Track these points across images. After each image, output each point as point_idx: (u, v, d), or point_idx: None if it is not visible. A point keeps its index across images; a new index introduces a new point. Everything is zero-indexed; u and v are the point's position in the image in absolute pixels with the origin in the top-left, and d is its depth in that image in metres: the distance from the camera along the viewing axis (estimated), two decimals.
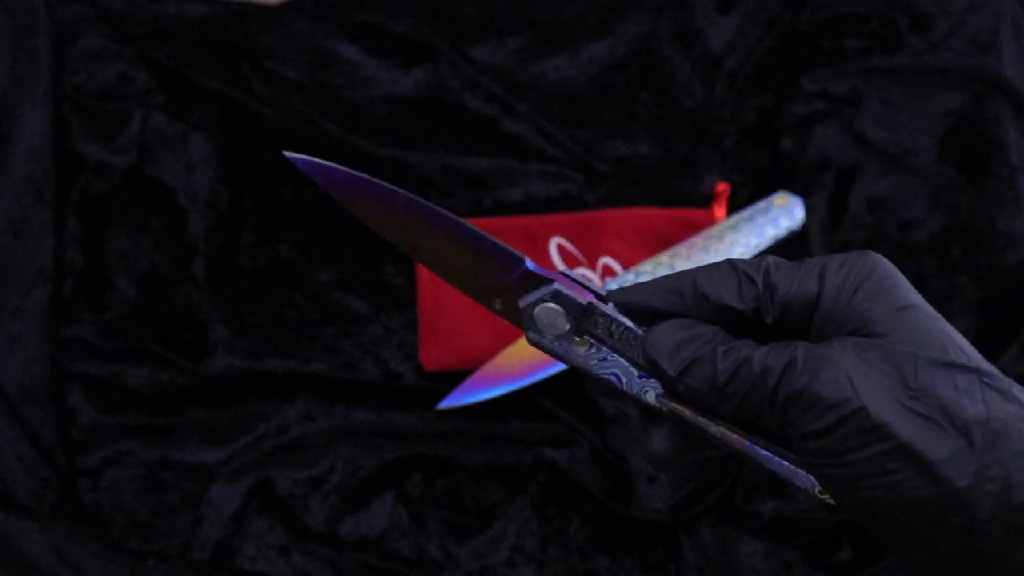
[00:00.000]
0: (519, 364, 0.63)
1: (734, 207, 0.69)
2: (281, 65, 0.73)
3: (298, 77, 0.73)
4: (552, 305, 0.38)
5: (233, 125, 0.71)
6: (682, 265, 0.64)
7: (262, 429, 0.63)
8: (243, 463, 0.62)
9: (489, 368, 0.64)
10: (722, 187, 0.69)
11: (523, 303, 0.39)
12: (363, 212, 0.39)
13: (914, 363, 0.33)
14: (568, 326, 0.38)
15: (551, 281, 0.38)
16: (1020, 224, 0.68)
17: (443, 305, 0.66)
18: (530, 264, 0.38)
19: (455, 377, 0.64)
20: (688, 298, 0.37)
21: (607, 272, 0.67)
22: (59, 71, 0.71)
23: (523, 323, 0.39)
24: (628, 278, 0.64)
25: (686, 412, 0.37)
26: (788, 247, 0.68)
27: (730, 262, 0.37)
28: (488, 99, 0.73)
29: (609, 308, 0.38)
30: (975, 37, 0.73)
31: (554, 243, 0.68)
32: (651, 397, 0.38)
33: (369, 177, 0.38)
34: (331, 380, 0.64)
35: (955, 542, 0.32)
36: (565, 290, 0.38)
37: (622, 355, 0.38)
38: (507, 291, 0.39)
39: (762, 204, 0.67)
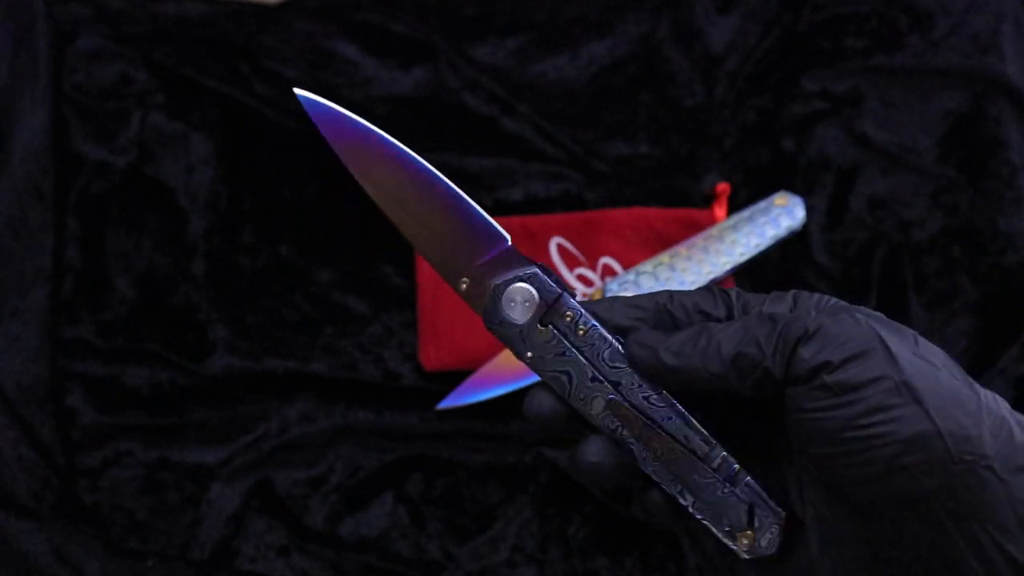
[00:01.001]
0: (519, 364, 0.63)
1: (734, 207, 0.69)
2: (281, 65, 0.73)
3: (298, 77, 0.73)
4: (526, 286, 0.38)
5: (233, 125, 0.71)
6: (682, 265, 0.64)
7: (262, 429, 0.63)
8: (243, 463, 0.62)
9: (489, 368, 0.64)
10: (722, 187, 0.68)
11: (496, 280, 0.38)
12: (356, 162, 0.38)
13: (915, 338, 0.34)
14: (533, 313, 0.38)
15: (531, 263, 0.38)
16: (1021, 224, 0.68)
17: (443, 305, 0.66)
18: (511, 245, 0.38)
19: (455, 377, 0.64)
20: (661, 310, 0.37)
21: (607, 272, 0.67)
22: (59, 71, 0.71)
23: (485, 306, 0.38)
24: (628, 278, 0.64)
25: (636, 422, 0.37)
26: (788, 247, 0.68)
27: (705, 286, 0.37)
28: (488, 99, 0.73)
29: (580, 302, 0.38)
30: (976, 36, 0.73)
31: (554, 243, 0.68)
32: (598, 404, 0.37)
33: (372, 127, 0.38)
34: (331, 380, 0.64)
35: (953, 493, 0.32)
36: (542, 275, 0.38)
37: (581, 353, 0.37)
38: (480, 269, 0.38)
39: (762, 204, 0.67)
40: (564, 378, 0.38)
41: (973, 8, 0.74)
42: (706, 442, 0.37)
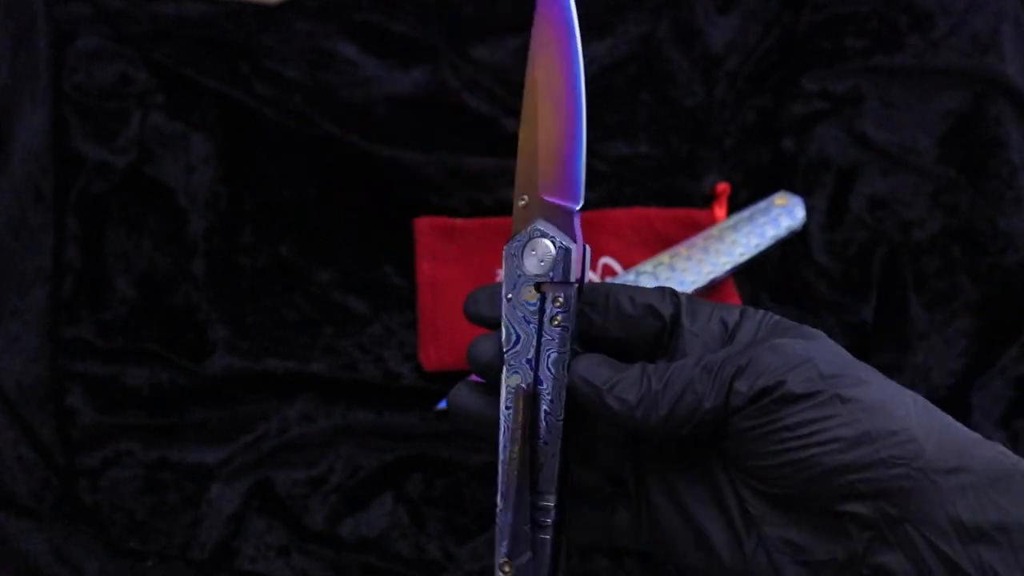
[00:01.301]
0: None
1: (734, 207, 0.69)
2: (281, 65, 0.73)
3: (298, 77, 0.73)
4: (551, 250, 0.39)
5: (233, 125, 0.71)
6: (682, 265, 0.64)
7: (262, 429, 0.63)
8: (243, 463, 0.62)
9: None
10: (722, 187, 0.68)
11: (540, 225, 0.39)
12: (540, 36, 0.41)
13: (844, 354, 0.37)
14: (537, 274, 0.39)
15: (574, 240, 0.39)
16: (1021, 224, 0.68)
17: (443, 305, 0.66)
18: (577, 211, 0.40)
19: (455, 377, 0.64)
20: (610, 306, 0.39)
21: (607, 272, 0.67)
22: (59, 71, 0.71)
23: (515, 234, 0.39)
24: (628, 278, 0.64)
25: (520, 418, 0.38)
26: (788, 247, 0.68)
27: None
28: (488, 99, 0.73)
29: (577, 296, 0.39)
30: (976, 36, 0.73)
31: None
32: (513, 380, 0.39)
33: (575, 22, 0.41)
34: (331, 380, 0.64)
35: (887, 495, 0.33)
36: (573, 256, 0.39)
37: (539, 336, 0.39)
38: (540, 204, 0.40)
39: (762, 204, 0.67)
40: (513, 337, 0.39)
41: (973, 8, 0.74)
42: (548, 485, 0.39)
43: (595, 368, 0.38)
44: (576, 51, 0.42)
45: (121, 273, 0.67)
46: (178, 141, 0.70)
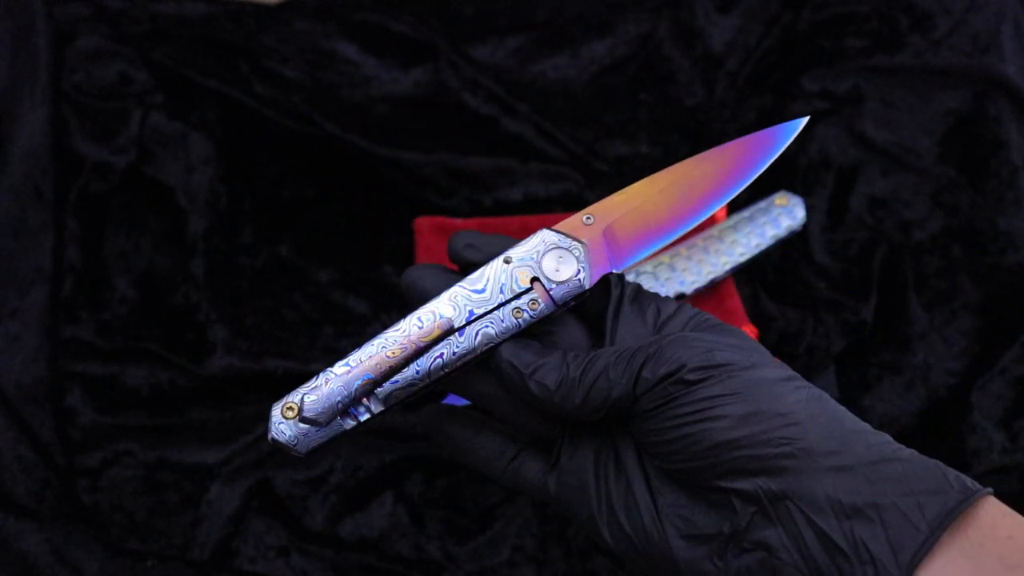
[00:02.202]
0: None
1: (734, 207, 0.69)
2: (280, 65, 0.73)
3: (298, 77, 0.73)
4: (571, 277, 0.41)
5: (232, 125, 0.71)
6: (682, 265, 0.64)
7: (261, 429, 0.63)
8: (242, 463, 0.62)
9: None
10: None
11: (582, 246, 0.42)
12: None
13: (750, 347, 0.41)
14: (545, 275, 0.41)
15: (590, 281, 0.42)
16: (1021, 224, 0.68)
17: None
18: (610, 273, 0.43)
19: None
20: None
21: None
22: (58, 70, 0.71)
23: (564, 230, 0.42)
24: (628, 278, 0.64)
25: (427, 346, 0.41)
26: (789, 247, 0.68)
27: None
28: (488, 99, 0.73)
29: (562, 309, 0.42)
30: (976, 36, 0.73)
31: None
32: (444, 313, 0.41)
33: None
34: None
35: (770, 473, 0.37)
36: (577, 297, 0.42)
37: (496, 307, 0.41)
38: (603, 236, 0.43)
39: (763, 204, 0.67)
40: (480, 288, 0.41)
41: (973, 8, 0.74)
42: (384, 401, 0.42)
43: (520, 352, 0.41)
44: (736, 190, 0.45)
45: (121, 273, 0.67)
46: (178, 141, 0.70)
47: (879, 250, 0.67)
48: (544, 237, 0.41)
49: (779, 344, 0.64)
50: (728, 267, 0.65)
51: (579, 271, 0.41)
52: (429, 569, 0.59)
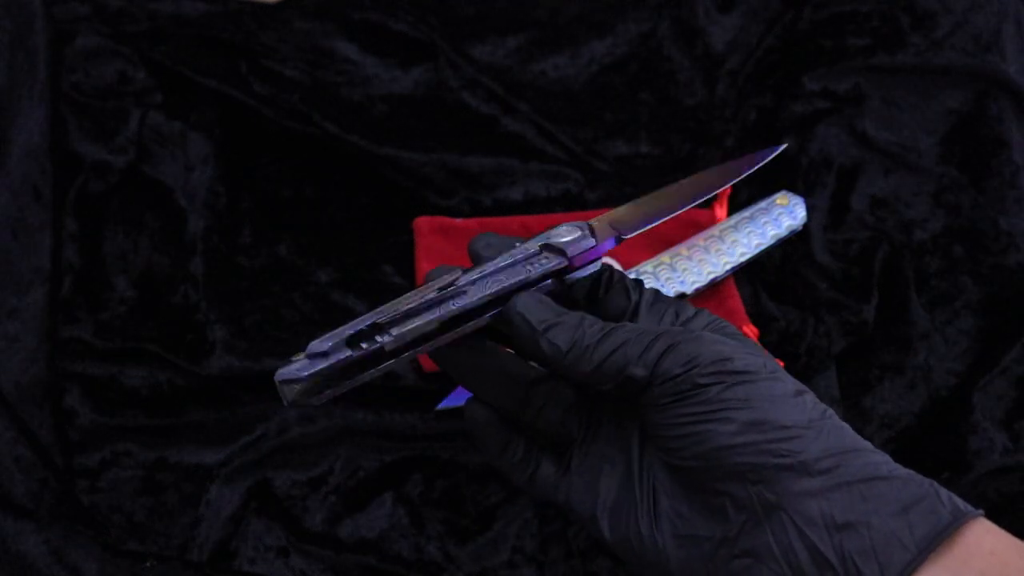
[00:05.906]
0: None
1: (735, 207, 0.69)
2: (280, 64, 0.73)
3: (297, 76, 0.73)
4: (577, 233, 0.44)
5: (232, 124, 0.71)
6: (683, 265, 0.64)
7: (261, 430, 0.63)
8: (242, 464, 0.61)
9: None
10: None
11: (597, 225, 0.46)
12: None
13: (761, 353, 0.42)
14: (554, 240, 0.43)
15: (598, 256, 0.45)
16: (1023, 224, 0.68)
17: None
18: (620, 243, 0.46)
19: None
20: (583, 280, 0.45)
21: None
22: (57, 70, 0.71)
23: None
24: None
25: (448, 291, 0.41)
26: (789, 246, 0.68)
27: None
28: (488, 99, 0.73)
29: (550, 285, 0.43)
30: (978, 36, 0.73)
31: None
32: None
33: None
34: None
35: (767, 482, 0.38)
36: (585, 261, 0.44)
37: (509, 268, 0.42)
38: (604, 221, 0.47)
39: (763, 203, 0.67)
40: (494, 265, 0.42)
41: (975, 7, 0.73)
42: (397, 338, 0.41)
43: (534, 307, 0.41)
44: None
45: (119, 273, 0.67)
46: (177, 140, 0.70)
47: (880, 250, 0.67)
48: (556, 230, 0.45)
49: (780, 344, 0.64)
50: (729, 267, 0.65)
51: (585, 232, 0.44)
52: (429, 570, 0.59)
